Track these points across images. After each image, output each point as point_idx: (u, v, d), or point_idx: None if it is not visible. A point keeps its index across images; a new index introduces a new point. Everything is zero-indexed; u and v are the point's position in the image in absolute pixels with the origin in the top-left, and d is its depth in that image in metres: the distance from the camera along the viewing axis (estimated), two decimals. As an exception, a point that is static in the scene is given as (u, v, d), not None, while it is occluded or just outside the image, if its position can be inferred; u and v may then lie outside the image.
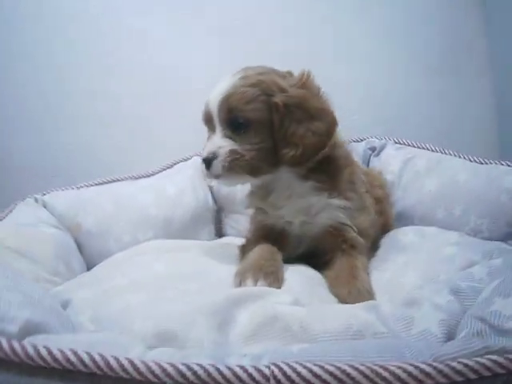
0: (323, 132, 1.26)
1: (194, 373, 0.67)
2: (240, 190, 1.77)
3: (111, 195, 1.75)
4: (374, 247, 1.46)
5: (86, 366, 0.68)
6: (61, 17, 2.14)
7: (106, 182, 1.82)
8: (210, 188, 1.95)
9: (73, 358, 0.68)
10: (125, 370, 0.67)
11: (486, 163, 1.56)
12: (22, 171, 2.17)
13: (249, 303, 0.98)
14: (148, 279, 1.21)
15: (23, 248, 1.28)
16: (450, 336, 0.86)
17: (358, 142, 2.08)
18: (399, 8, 2.22)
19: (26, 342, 0.71)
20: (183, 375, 0.67)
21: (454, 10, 2.23)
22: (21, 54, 2.13)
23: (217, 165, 1.26)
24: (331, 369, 0.67)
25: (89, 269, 1.53)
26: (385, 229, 1.58)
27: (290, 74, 1.38)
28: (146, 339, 0.88)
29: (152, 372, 0.67)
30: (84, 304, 1.04)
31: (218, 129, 1.29)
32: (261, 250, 1.28)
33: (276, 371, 0.67)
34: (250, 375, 0.67)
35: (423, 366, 0.65)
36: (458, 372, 0.65)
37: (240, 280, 1.15)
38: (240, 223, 1.86)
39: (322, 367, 0.67)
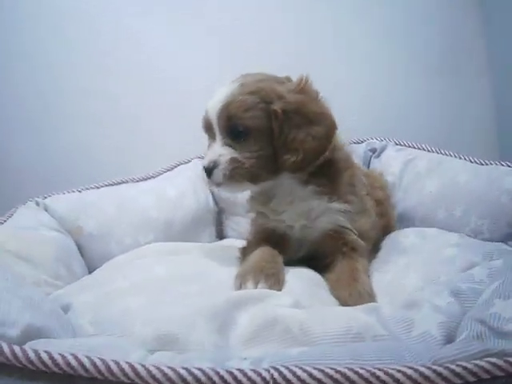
0: (323, 136, 1.27)
1: (195, 377, 0.67)
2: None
3: (112, 198, 1.75)
4: (375, 249, 1.46)
5: (86, 370, 0.68)
6: (59, 16, 2.13)
7: (106, 185, 1.82)
8: (211, 190, 1.95)
9: (73, 363, 0.68)
10: (125, 374, 0.68)
11: (487, 164, 1.56)
12: (20, 172, 2.17)
13: (249, 306, 0.98)
14: (149, 282, 1.21)
15: (24, 251, 1.29)
16: (449, 338, 0.86)
17: (359, 143, 2.07)
18: (399, 8, 2.22)
19: (27, 347, 0.72)
20: (184, 379, 0.67)
21: (454, 10, 2.22)
22: (19, 54, 2.13)
23: (218, 173, 1.27)
24: (331, 372, 0.67)
25: (90, 272, 1.53)
26: (386, 230, 1.58)
27: (288, 79, 1.39)
28: (147, 342, 0.88)
29: (153, 376, 0.67)
30: (85, 307, 1.04)
31: (218, 137, 1.30)
32: (261, 253, 1.29)
33: (276, 375, 0.67)
34: (249, 379, 0.67)
35: (422, 369, 0.65)
36: (457, 375, 0.65)
37: (241, 282, 1.15)
38: (241, 225, 1.86)
39: (321, 370, 0.67)
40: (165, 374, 0.68)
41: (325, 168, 1.32)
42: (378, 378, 0.66)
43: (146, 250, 1.57)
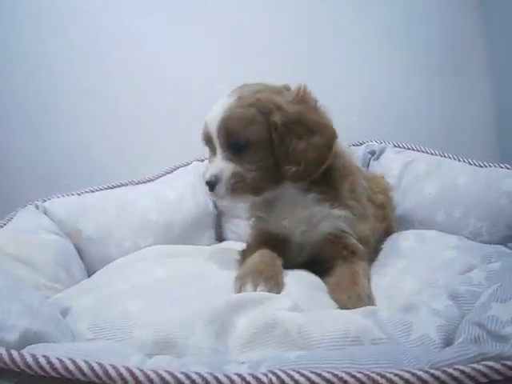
0: (323, 146, 1.27)
1: (193, 381, 0.67)
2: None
3: (111, 201, 1.75)
4: (374, 252, 1.46)
5: (84, 374, 0.68)
6: (59, 16, 2.14)
7: (106, 188, 1.82)
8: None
9: (71, 367, 0.68)
10: (123, 378, 0.68)
11: (486, 166, 1.56)
12: (20, 172, 2.18)
13: (248, 309, 0.98)
14: (148, 285, 1.21)
15: (23, 255, 1.29)
16: (448, 341, 0.86)
17: (358, 145, 2.08)
18: (399, 8, 2.22)
19: (25, 351, 0.72)
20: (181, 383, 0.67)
21: (454, 10, 2.22)
22: (19, 54, 2.13)
23: (220, 188, 1.28)
24: (328, 376, 0.67)
25: (89, 275, 1.53)
26: (387, 233, 1.58)
27: (286, 87, 1.38)
28: (146, 346, 0.88)
29: (150, 380, 0.67)
30: (84, 311, 1.04)
31: (219, 151, 1.30)
32: (261, 255, 1.29)
33: (274, 379, 0.67)
34: (247, 383, 0.67)
35: (420, 373, 0.65)
36: (455, 379, 0.65)
37: (240, 285, 1.15)
38: (240, 228, 1.86)
39: (319, 375, 0.67)
40: (162, 378, 0.68)
41: (326, 175, 1.32)
42: (375, 381, 0.65)
43: (146, 252, 1.57)
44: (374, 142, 2.05)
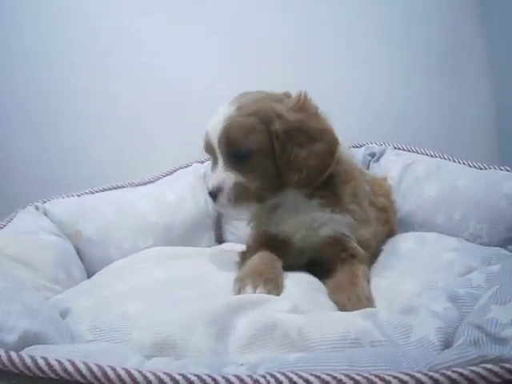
0: (325, 153, 1.27)
1: (191, 383, 0.67)
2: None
3: (111, 203, 1.75)
4: (375, 255, 1.46)
5: (83, 376, 0.68)
6: (59, 16, 2.14)
7: (106, 190, 1.82)
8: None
9: (70, 369, 0.68)
10: (122, 380, 0.68)
11: (486, 168, 1.56)
12: (20, 172, 2.17)
13: (248, 310, 0.98)
14: (148, 286, 1.21)
15: (23, 256, 1.29)
16: (447, 344, 0.86)
17: (358, 147, 2.08)
18: (399, 8, 2.21)
19: (24, 353, 0.72)
20: (180, 385, 0.67)
21: (454, 10, 2.22)
22: (19, 54, 2.13)
23: (223, 198, 1.30)
24: (327, 378, 0.67)
25: (89, 276, 1.53)
26: (389, 235, 1.58)
27: (287, 95, 1.38)
28: (145, 348, 0.88)
29: (149, 382, 0.67)
30: (83, 312, 1.04)
31: (221, 161, 1.31)
32: (261, 257, 1.29)
33: (272, 381, 0.67)
34: (246, 385, 0.67)
35: (418, 376, 0.65)
36: (453, 381, 0.64)
37: (239, 286, 1.15)
38: (240, 229, 1.85)
39: (317, 377, 0.67)
40: (161, 380, 0.68)
41: (328, 181, 1.32)
42: (374, 384, 0.66)
43: (146, 254, 1.58)
44: (374, 144, 2.05)
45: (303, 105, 1.31)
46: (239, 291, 1.14)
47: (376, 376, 0.66)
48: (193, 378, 0.68)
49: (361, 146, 2.08)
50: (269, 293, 1.11)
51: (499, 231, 1.37)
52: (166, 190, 1.87)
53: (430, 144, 1.94)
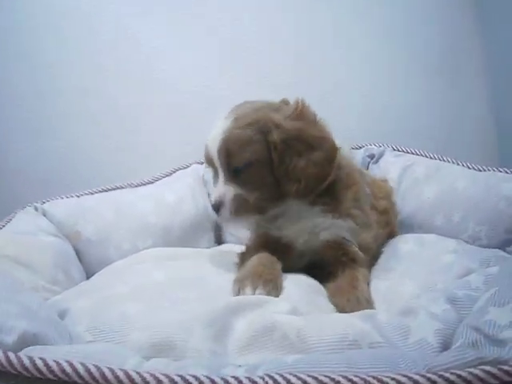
0: (324, 161, 1.26)
1: (189, 384, 0.67)
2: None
3: (111, 203, 1.75)
4: (375, 257, 1.46)
5: (81, 377, 0.68)
6: (58, 16, 2.13)
7: (105, 190, 1.82)
8: (210, 195, 1.94)
9: (68, 370, 0.68)
10: (120, 381, 0.68)
11: (485, 170, 1.56)
12: (19, 173, 2.17)
13: (247, 312, 0.98)
14: (147, 287, 1.21)
15: (22, 257, 1.29)
16: (446, 345, 0.86)
17: (357, 149, 2.07)
18: (399, 8, 2.22)
19: (22, 354, 0.72)
20: (178, 386, 0.67)
21: (454, 10, 2.23)
22: (18, 54, 2.12)
23: (224, 211, 1.31)
24: (325, 380, 0.67)
25: (88, 277, 1.53)
26: (389, 237, 1.58)
27: (285, 102, 1.38)
28: (143, 349, 0.88)
29: (147, 383, 0.67)
30: (82, 313, 1.04)
31: (221, 173, 1.32)
32: (260, 258, 1.28)
33: (270, 382, 0.67)
34: (244, 386, 0.67)
35: (417, 377, 0.65)
36: (451, 383, 0.64)
37: (239, 288, 1.15)
38: (239, 231, 1.84)
39: (315, 378, 0.67)
40: (159, 381, 0.68)
41: (329, 187, 1.31)
42: (372, 385, 0.66)
43: (145, 255, 1.57)
44: (373, 146, 2.05)
45: (301, 112, 1.30)
46: (238, 292, 1.14)
47: (374, 377, 0.66)
48: (191, 380, 0.68)
49: (360, 147, 2.08)
50: (268, 294, 1.11)
51: (498, 233, 1.37)
52: (166, 191, 1.87)
53: (430, 144, 1.95)
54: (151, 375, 0.68)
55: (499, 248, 1.33)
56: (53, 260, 1.38)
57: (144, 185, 1.90)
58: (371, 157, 2.02)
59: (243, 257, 1.40)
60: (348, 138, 2.05)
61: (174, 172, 2.01)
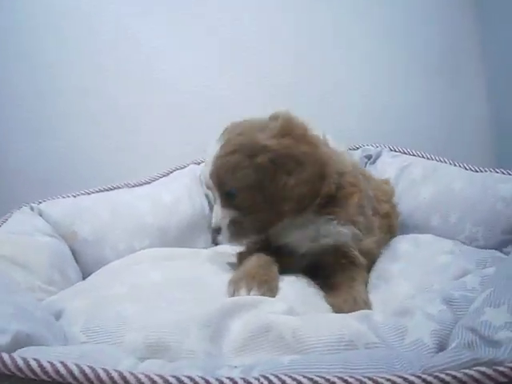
0: (314, 177, 1.25)
1: (184, 385, 0.67)
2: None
3: (107, 203, 1.74)
4: (374, 260, 1.45)
5: (75, 378, 0.68)
6: (58, 16, 2.13)
7: (102, 190, 1.81)
8: (207, 196, 1.95)
9: (62, 371, 0.68)
10: (114, 382, 0.67)
11: (482, 171, 1.56)
12: (19, 173, 2.17)
13: (243, 313, 0.98)
14: (143, 288, 1.21)
15: (18, 257, 1.28)
16: (441, 346, 0.86)
17: (354, 149, 2.08)
18: (399, 8, 2.22)
19: (16, 354, 0.71)
20: (173, 387, 0.67)
21: (454, 10, 2.23)
22: (18, 54, 2.12)
23: (223, 235, 1.33)
24: (320, 381, 0.67)
25: (84, 277, 1.52)
26: (390, 238, 1.58)
27: (274, 117, 1.35)
28: (139, 350, 0.88)
29: (142, 384, 0.68)
30: (78, 314, 1.03)
31: (217, 199, 1.34)
32: (256, 259, 1.28)
33: (265, 383, 0.67)
34: (239, 387, 0.67)
35: (412, 378, 0.65)
36: (447, 384, 0.65)
37: (234, 289, 1.15)
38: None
39: (311, 379, 0.67)
40: (154, 382, 0.67)
41: (332, 196, 1.31)
42: (367, 386, 0.66)
43: (141, 255, 1.57)
44: (370, 146, 2.05)
45: (288, 128, 1.28)
46: (233, 293, 1.14)
47: (369, 378, 0.66)
48: (186, 381, 0.68)
49: (357, 148, 2.09)
50: (263, 295, 1.11)
51: (495, 234, 1.37)
52: (162, 191, 1.86)
53: (430, 144, 1.95)
54: (146, 376, 0.68)
55: (496, 249, 1.34)
56: (49, 260, 1.37)
57: (141, 185, 1.90)
58: (368, 157, 2.03)
59: (241, 257, 1.39)
60: (348, 138, 2.07)
61: (171, 172, 2.01)
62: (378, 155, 1.99)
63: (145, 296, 1.13)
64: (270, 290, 1.15)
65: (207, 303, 1.03)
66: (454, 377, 0.65)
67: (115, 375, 0.68)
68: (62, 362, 0.69)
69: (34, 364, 0.69)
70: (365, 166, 2.00)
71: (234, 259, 1.43)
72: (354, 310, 1.07)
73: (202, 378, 0.68)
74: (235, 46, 2.20)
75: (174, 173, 2.01)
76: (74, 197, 1.75)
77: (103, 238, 1.65)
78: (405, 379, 0.65)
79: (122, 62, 2.17)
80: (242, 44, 2.20)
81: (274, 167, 1.24)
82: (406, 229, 1.64)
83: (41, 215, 1.60)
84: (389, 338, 0.90)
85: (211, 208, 1.50)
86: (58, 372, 0.68)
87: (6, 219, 1.49)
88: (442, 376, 0.65)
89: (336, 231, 1.31)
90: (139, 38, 2.17)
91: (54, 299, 1.17)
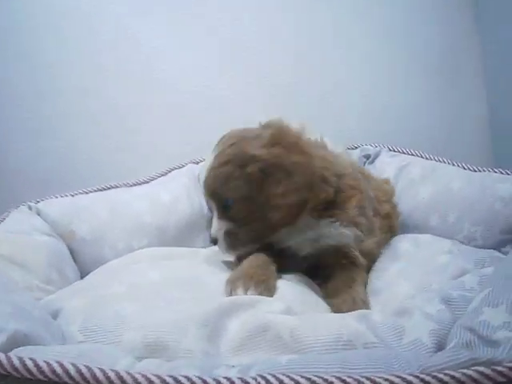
0: (304, 186, 1.23)
1: (181, 385, 0.67)
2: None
3: (106, 203, 1.74)
4: (374, 260, 1.45)
5: (71, 377, 0.67)
6: (58, 16, 2.12)
7: (100, 190, 1.81)
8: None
9: (59, 370, 0.68)
10: (111, 382, 0.67)
11: (480, 171, 1.56)
12: (19, 173, 2.16)
13: (240, 312, 0.98)
14: (141, 287, 1.20)
15: (16, 256, 1.28)
16: (440, 346, 0.86)
17: (353, 149, 2.08)
18: (399, 8, 2.22)
19: (12, 354, 0.71)
20: (170, 387, 0.67)
21: (454, 10, 2.23)
22: (17, 54, 2.11)
23: (219, 246, 1.37)
24: (318, 381, 0.66)
25: (82, 276, 1.52)
26: (391, 238, 1.59)
27: (267, 125, 1.36)
28: (137, 349, 0.88)
29: (138, 384, 0.67)
30: (76, 313, 1.03)
31: (214, 210, 1.35)
32: (254, 259, 1.28)
33: (263, 383, 0.67)
34: (236, 387, 0.67)
35: (410, 378, 0.65)
36: (445, 384, 0.64)
37: (231, 288, 1.15)
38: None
39: (308, 379, 0.67)
40: (151, 382, 0.67)
41: (333, 199, 1.31)
42: (365, 386, 0.65)
43: (140, 254, 1.56)
44: (369, 146, 2.05)
45: (279, 137, 1.28)
46: (230, 293, 1.14)
47: (367, 378, 0.66)
48: (183, 380, 0.67)
49: (356, 147, 2.09)
50: (260, 295, 1.10)
51: (494, 234, 1.37)
52: (161, 191, 1.85)
53: (430, 144, 1.95)
54: (143, 376, 0.68)
55: (494, 249, 1.34)
56: (47, 259, 1.37)
57: (139, 184, 1.89)
58: (367, 157, 2.02)
59: (239, 257, 1.38)
60: (348, 138, 2.08)
61: (170, 171, 2.00)
62: (377, 155, 1.99)
63: (143, 295, 1.13)
64: (268, 290, 1.15)
65: (205, 303, 1.03)
66: (453, 377, 0.65)
67: (112, 375, 0.68)
68: (58, 362, 0.69)
69: (29, 363, 0.69)
70: (363, 166, 2.00)
71: (232, 259, 1.43)
72: (352, 310, 1.06)
73: (200, 378, 0.68)
74: (235, 46, 2.20)
75: (173, 172, 2.00)
76: (72, 196, 1.74)
77: (101, 238, 1.64)
78: (403, 379, 0.65)
79: (122, 62, 2.17)
80: (242, 44, 2.20)
81: (263, 176, 1.24)
82: (406, 229, 1.64)
83: (39, 214, 1.60)
84: (387, 337, 0.89)
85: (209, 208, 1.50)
86: (54, 371, 0.68)
87: (4, 218, 1.49)
88: (441, 376, 0.65)
89: (338, 233, 1.31)
90: (139, 38, 2.16)
91: (51, 298, 1.17)
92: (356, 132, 2.16)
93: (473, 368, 0.66)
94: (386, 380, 0.65)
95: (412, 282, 1.20)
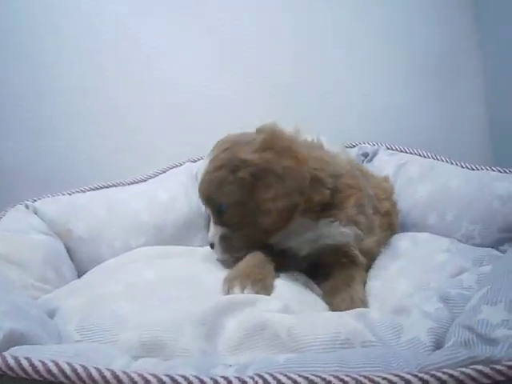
0: (294, 191, 1.23)
1: (178, 384, 0.67)
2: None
3: (103, 201, 1.73)
4: (374, 259, 1.45)
5: (67, 377, 0.67)
6: (58, 16, 2.10)
7: (97, 188, 1.80)
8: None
9: (54, 370, 0.67)
10: (107, 381, 0.67)
11: (478, 169, 1.56)
12: (19, 173, 2.14)
13: (237, 311, 0.97)
14: (139, 286, 1.20)
15: (13, 255, 1.27)
16: (438, 344, 0.86)
17: (351, 147, 2.08)
18: (399, 8, 2.22)
19: (7, 353, 0.71)
20: (166, 386, 0.67)
21: (454, 10, 2.23)
22: (17, 54, 2.10)
23: (215, 250, 1.39)
24: (316, 380, 0.66)
25: (79, 275, 1.51)
26: (391, 236, 1.58)
27: (261, 130, 1.36)
28: (133, 348, 0.87)
29: (135, 383, 0.67)
30: (73, 312, 1.03)
31: (211, 215, 1.38)
32: (252, 258, 1.28)
33: (260, 382, 0.67)
34: (234, 386, 0.67)
35: (408, 377, 0.65)
36: (443, 382, 0.64)
37: (228, 287, 1.15)
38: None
39: (306, 378, 0.66)
40: (147, 381, 0.67)
41: (331, 200, 1.31)
42: (363, 385, 0.65)
43: (137, 253, 1.55)
44: (367, 144, 2.05)
45: (272, 141, 1.28)
46: (227, 292, 1.14)
47: (365, 377, 0.66)
48: (180, 380, 0.67)
49: (354, 146, 2.09)
50: (257, 293, 1.10)
51: (492, 232, 1.37)
52: (158, 189, 1.85)
53: (430, 144, 1.94)
54: (139, 375, 0.67)
55: (492, 247, 1.34)
56: (44, 258, 1.36)
57: (136, 183, 1.89)
58: (365, 155, 2.02)
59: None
60: (348, 137, 2.08)
61: (167, 170, 2.00)
62: (375, 153, 1.99)
63: (140, 294, 1.13)
64: (265, 289, 1.15)
65: (202, 301, 1.03)
66: (451, 375, 0.64)
67: (108, 374, 0.67)
68: (53, 361, 0.69)
69: (25, 363, 0.68)
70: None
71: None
72: (350, 309, 1.06)
73: (196, 378, 0.67)
74: (235, 46, 2.19)
75: (170, 171, 2.00)
76: (70, 195, 1.74)
77: (99, 236, 1.64)
78: (401, 378, 0.65)
79: (122, 62, 2.16)
80: (242, 44, 2.19)
81: (254, 181, 1.25)
82: (404, 227, 1.65)
83: (36, 213, 1.59)
84: (385, 336, 0.89)
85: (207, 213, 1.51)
86: (49, 371, 0.68)
87: (1, 217, 1.48)
88: (439, 374, 0.65)
89: (338, 232, 1.31)
90: (139, 38, 2.16)
91: (48, 297, 1.17)
92: (356, 132, 2.15)
93: (471, 366, 0.66)
94: (385, 379, 0.65)
95: (410, 281, 1.20)
